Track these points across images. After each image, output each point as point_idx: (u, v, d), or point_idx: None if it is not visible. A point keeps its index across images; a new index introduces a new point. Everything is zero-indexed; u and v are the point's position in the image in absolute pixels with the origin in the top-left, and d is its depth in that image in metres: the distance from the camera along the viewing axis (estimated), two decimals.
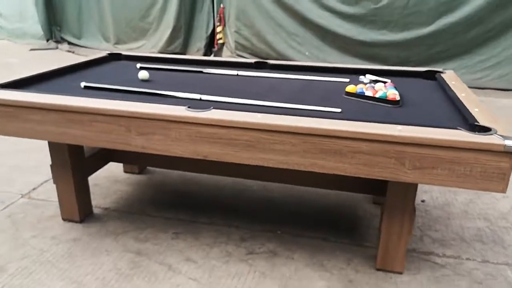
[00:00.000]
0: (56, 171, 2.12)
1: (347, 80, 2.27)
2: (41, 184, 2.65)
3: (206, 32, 6.84)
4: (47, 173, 2.78)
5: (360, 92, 1.89)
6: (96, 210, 2.35)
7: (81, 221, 2.22)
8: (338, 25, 5.70)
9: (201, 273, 1.85)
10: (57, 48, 7.68)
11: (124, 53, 2.83)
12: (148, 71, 2.33)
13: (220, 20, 6.58)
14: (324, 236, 2.12)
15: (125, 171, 2.82)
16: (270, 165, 1.54)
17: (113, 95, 1.88)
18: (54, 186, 2.58)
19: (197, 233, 2.14)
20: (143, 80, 2.23)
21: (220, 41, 6.73)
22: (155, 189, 2.60)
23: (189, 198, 2.50)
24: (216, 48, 6.86)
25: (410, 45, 5.51)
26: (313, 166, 1.49)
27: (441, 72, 2.29)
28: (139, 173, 2.81)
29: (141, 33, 7.12)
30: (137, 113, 1.61)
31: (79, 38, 7.71)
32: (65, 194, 2.16)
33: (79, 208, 2.19)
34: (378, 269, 1.84)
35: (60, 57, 6.94)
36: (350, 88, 1.93)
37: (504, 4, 5.03)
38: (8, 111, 1.77)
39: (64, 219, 2.24)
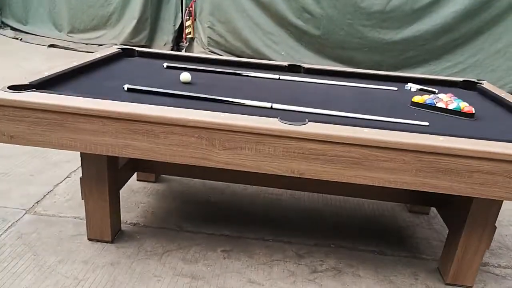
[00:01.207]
0: (87, 185, 1.82)
1: (395, 88, 2.23)
2: (44, 196, 2.29)
3: (174, 25, 6.50)
4: (45, 182, 2.42)
5: (430, 103, 1.85)
6: (124, 227, 2.07)
7: (113, 240, 1.95)
8: (314, 27, 5.70)
9: None
10: None
11: (137, 49, 2.54)
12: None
13: (189, 14, 6.28)
14: (378, 249, 2.06)
15: (139, 180, 2.54)
16: (375, 184, 1.44)
17: (166, 101, 1.65)
18: (60, 199, 2.28)
19: (249, 250, 1.98)
20: (185, 83, 2.01)
21: (189, 36, 6.44)
22: (180, 200, 2.37)
23: (223, 210, 2.31)
24: (185, 42, 6.56)
25: (384, 49, 5.67)
26: (424, 186, 1.41)
27: (479, 83, 2.34)
28: (154, 181, 2.54)
29: (101, 22, 6.57)
30: (225, 125, 1.42)
31: (24, 24, 6.91)
32: (97, 211, 1.87)
33: (111, 227, 1.91)
34: (447, 284, 1.83)
35: (8, 45, 6.19)
36: (418, 99, 1.89)
37: (472, 15, 5.37)
38: (52, 118, 1.47)
39: (90, 239, 1.94)
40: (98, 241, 1.94)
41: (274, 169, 1.46)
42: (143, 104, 1.49)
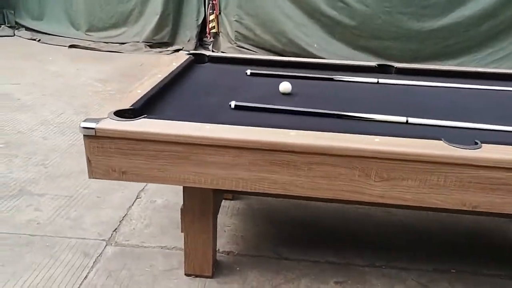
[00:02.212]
0: (189, 216, 1.60)
1: (510, 88, 1.99)
2: (120, 223, 2.07)
3: (197, 20, 6.21)
4: (115, 206, 2.20)
5: None
6: (218, 256, 1.85)
7: (213, 275, 1.73)
8: (348, 17, 5.42)
9: None
10: (13, 35, 6.55)
11: (206, 53, 2.30)
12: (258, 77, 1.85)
13: (213, 8, 6.01)
14: (503, 272, 1.84)
15: None
16: None
17: (285, 120, 1.43)
18: (138, 225, 2.06)
19: (364, 281, 1.76)
20: (285, 94, 1.77)
21: (213, 30, 6.17)
22: (265, 220, 2.15)
23: (315, 230, 2.09)
24: (209, 38, 6.29)
25: (423, 38, 5.39)
26: None
27: None
28: (232, 199, 2.31)
29: (120, 20, 6.27)
30: (386, 152, 1.19)
31: (40, 23, 6.61)
32: (198, 244, 1.65)
33: (212, 260, 1.69)
34: None
35: (27, 46, 5.92)
36: None
37: None
38: (175, 151, 1.23)
39: (187, 274, 1.73)
40: (196, 276, 1.73)
41: (441, 202, 1.23)
42: (283, 130, 1.25)
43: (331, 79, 2.03)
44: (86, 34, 6.37)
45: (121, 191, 2.34)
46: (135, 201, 2.26)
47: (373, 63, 2.25)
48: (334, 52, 5.54)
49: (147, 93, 1.52)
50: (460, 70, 2.23)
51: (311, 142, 1.20)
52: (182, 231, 1.65)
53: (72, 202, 2.22)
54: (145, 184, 2.42)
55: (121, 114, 1.31)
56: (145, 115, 1.30)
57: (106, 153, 1.24)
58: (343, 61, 2.30)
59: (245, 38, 5.82)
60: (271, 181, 1.26)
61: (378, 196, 1.25)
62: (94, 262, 1.79)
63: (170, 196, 2.31)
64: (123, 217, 2.11)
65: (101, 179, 1.28)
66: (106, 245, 1.90)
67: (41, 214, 2.09)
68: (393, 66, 2.21)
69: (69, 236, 1.93)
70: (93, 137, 1.22)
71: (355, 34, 5.46)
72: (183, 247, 1.88)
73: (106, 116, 1.27)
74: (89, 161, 1.25)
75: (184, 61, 2.07)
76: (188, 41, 6.26)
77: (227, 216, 2.17)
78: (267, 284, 1.72)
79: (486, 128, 1.44)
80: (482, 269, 1.86)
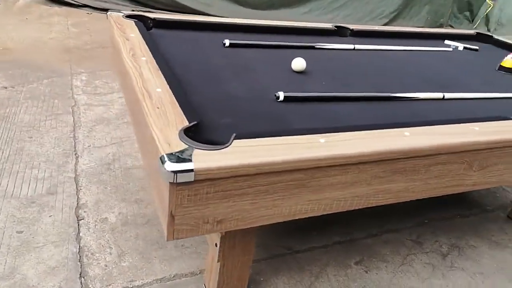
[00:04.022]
0: (231, 242, 1.25)
1: (450, 49, 2.19)
2: (80, 262, 1.48)
3: None
4: (54, 238, 1.58)
5: None
6: None
7: None
8: None
9: None
10: None
11: (147, 15, 1.73)
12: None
13: None
14: (461, 212, 2.13)
15: None
16: None
17: (342, 109, 1.23)
18: (108, 259, 1.58)
19: (375, 253, 1.77)
20: (297, 72, 1.50)
21: None
22: None
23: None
24: None
25: None
26: None
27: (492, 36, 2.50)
28: None
29: None
30: (492, 142, 1.13)
31: None
32: (235, 269, 1.33)
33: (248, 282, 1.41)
34: None
35: None
36: (509, 63, 1.89)
37: None
38: (293, 179, 0.88)
39: None
40: None
41: None
42: (395, 131, 1.04)
43: (313, 47, 1.82)
44: None
45: (47, 215, 1.68)
46: (79, 225, 1.65)
47: (330, 24, 2.12)
48: (209, 4, 5.16)
49: (175, 93, 1.04)
50: (410, 32, 2.32)
51: (439, 142, 1.04)
52: (218, 261, 1.29)
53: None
54: (76, 197, 1.80)
55: (189, 134, 0.86)
56: (235, 135, 0.88)
57: (201, 201, 0.80)
58: (302, 24, 2.09)
59: None
60: (386, 191, 1.06)
61: (471, 185, 1.21)
62: None
63: (121, 206, 1.79)
64: (78, 253, 1.53)
65: (185, 237, 0.84)
66: None
67: None
68: (348, 28, 2.13)
69: None
70: (185, 184, 0.76)
71: None
72: (183, 271, 1.54)
73: (188, 145, 0.80)
74: (172, 217, 0.79)
75: (139, 30, 1.51)
76: None
77: None
78: (301, 287, 1.55)
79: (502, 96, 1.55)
80: (445, 213, 2.12)
